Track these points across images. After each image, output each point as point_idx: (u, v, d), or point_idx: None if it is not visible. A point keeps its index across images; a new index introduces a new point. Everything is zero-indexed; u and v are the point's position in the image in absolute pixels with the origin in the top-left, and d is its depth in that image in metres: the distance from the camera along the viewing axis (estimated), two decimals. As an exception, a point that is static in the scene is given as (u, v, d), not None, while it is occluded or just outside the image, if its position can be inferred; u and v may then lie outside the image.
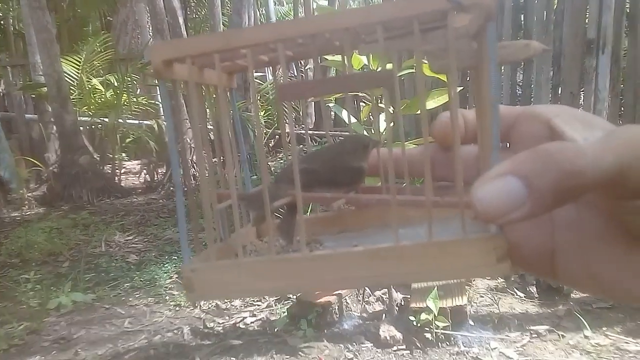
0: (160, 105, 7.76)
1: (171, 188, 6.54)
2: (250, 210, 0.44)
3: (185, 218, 0.37)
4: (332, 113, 7.99)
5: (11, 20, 8.70)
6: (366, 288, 3.03)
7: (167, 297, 3.41)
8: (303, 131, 7.60)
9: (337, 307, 2.89)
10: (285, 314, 2.95)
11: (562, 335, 2.66)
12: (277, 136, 7.59)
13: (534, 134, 0.36)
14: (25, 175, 6.48)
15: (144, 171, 7.27)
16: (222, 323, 3.03)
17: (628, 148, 0.27)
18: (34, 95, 7.63)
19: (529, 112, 0.37)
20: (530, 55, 0.39)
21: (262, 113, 7.35)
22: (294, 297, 3.11)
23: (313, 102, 8.61)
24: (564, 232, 0.34)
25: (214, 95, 0.44)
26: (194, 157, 6.60)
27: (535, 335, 2.67)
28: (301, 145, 7.91)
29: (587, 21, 3.95)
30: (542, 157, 0.26)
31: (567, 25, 4.03)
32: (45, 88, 6.37)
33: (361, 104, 7.70)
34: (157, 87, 6.14)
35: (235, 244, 0.40)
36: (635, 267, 0.31)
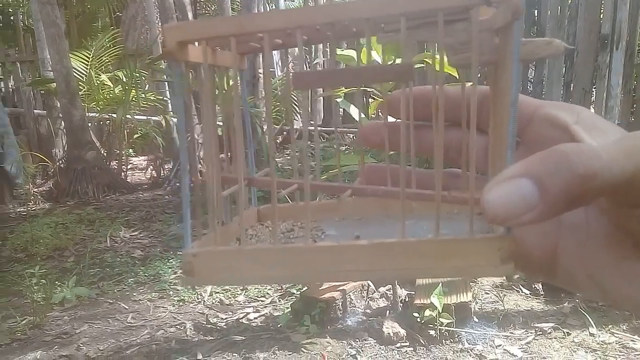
0: (169, 101, 7.77)
1: (177, 184, 6.55)
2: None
3: (189, 202, 0.36)
4: (341, 109, 8.00)
5: (20, 16, 8.72)
6: (370, 284, 3.01)
7: (171, 293, 3.41)
8: (311, 127, 7.59)
9: (340, 304, 2.87)
10: (289, 309, 2.93)
11: (567, 332, 2.62)
12: (284, 132, 7.59)
13: (552, 139, 0.34)
14: (32, 171, 6.50)
15: (151, 167, 7.28)
16: (225, 319, 3.02)
17: None
18: (42, 91, 7.66)
19: (546, 115, 0.36)
20: (551, 54, 0.38)
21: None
22: (298, 292, 3.10)
23: (322, 98, 8.61)
24: (567, 234, 0.33)
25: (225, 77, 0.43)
26: (201, 153, 6.61)
27: (540, 333, 2.64)
28: (309, 142, 7.90)
29: (601, 16, 3.90)
30: (556, 158, 0.26)
31: (582, 20, 3.97)
32: (54, 84, 6.39)
33: (370, 99, 7.70)
34: (166, 83, 6.19)
35: (238, 228, 0.39)
36: (637, 275, 0.30)
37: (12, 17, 9.54)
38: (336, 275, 0.34)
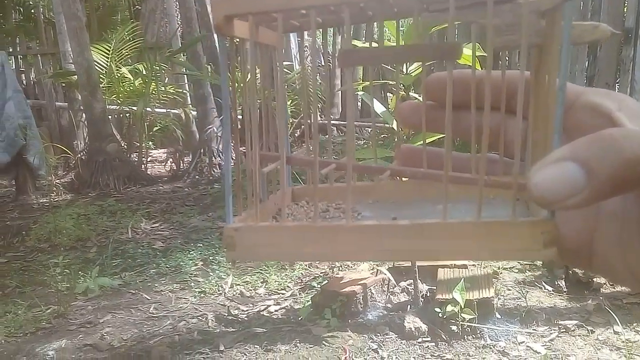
0: (188, 94, 7.81)
1: (196, 177, 6.59)
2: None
3: (231, 178, 0.37)
4: (359, 103, 7.97)
5: (41, 9, 8.81)
6: (391, 278, 3.00)
7: (192, 284, 3.43)
8: (328, 121, 7.57)
9: (361, 297, 2.87)
10: (309, 303, 2.94)
11: (591, 330, 2.60)
12: (302, 126, 7.59)
13: (594, 126, 0.34)
14: (54, 162, 6.58)
15: (170, 160, 7.33)
16: (246, 311, 3.03)
17: None
18: (64, 84, 7.74)
19: (588, 102, 0.35)
20: (597, 38, 0.37)
21: (288, 102, 7.34)
22: (318, 286, 3.11)
23: (340, 92, 8.58)
24: (606, 222, 0.32)
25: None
26: (219, 146, 6.64)
27: (564, 330, 2.62)
28: (326, 136, 7.88)
29: (625, 10, 3.84)
30: (604, 142, 0.26)
31: (605, 14, 3.92)
32: (75, 76, 6.45)
33: (388, 94, 7.66)
34: (185, 76, 6.20)
35: (274, 206, 0.40)
36: None
37: (32, 11, 9.62)
38: (375, 255, 0.34)
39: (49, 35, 8.50)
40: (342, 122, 7.62)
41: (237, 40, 0.38)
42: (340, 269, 3.42)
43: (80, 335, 2.82)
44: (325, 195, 0.43)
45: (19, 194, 5.85)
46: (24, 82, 8.31)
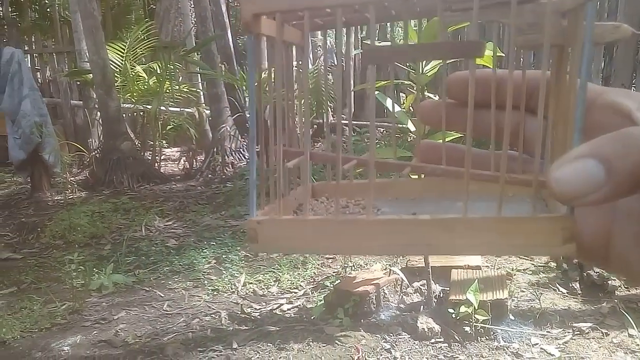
0: (202, 93, 7.84)
1: (209, 176, 6.61)
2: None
3: (255, 171, 0.38)
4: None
5: (57, 8, 8.89)
6: (404, 279, 3.00)
7: (205, 282, 3.45)
8: (342, 121, 7.52)
9: (374, 297, 2.87)
10: (322, 302, 2.94)
11: (605, 333, 2.58)
12: (315, 125, 7.60)
13: (613, 125, 0.34)
14: (69, 160, 6.63)
15: (183, 158, 7.37)
16: (259, 309, 3.05)
17: None
18: (79, 82, 7.80)
19: (608, 102, 0.36)
20: (618, 38, 0.38)
21: (302, 102, 7.31)
22: (331, 285, 3.11)
23: (353, 92, 8.57)
24: (624, 220, 0.33)
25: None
26: (232, 145, 6.67)
27: (578, 333, 2.60)
28: (337, 135, 7.87)
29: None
30: (625, 140, 0.26)
31: (622, 14, 3.89)
32: (91, 75, 6.50)
33: (401, 94, 7.64)
34: (199, 75, 6.21)
35: (294, 202, 0.41)
36: None
37: (48, 9, 9.71)
38: (395, 249, 0.35)
39: (64, 33, 8.57)
40: (360, 122, 7.58)
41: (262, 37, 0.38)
42: (353, 268, 3.43)
43: (95, 332, 2.85)
44: (346, 191, 0.43)
45: (34, 191, 5.90)
46: (40, 80, 8.38)
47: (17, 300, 3.25)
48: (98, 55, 6.13)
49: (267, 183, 0.39)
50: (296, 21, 0.41)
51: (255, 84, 0.39)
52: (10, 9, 9.00)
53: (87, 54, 6.46)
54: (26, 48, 8.51)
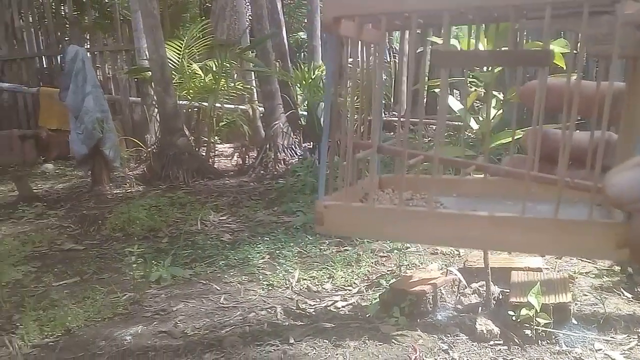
0: (255, 90, 7.92)
1: (261, 172, 6.68)
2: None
3: (326, 159, 0.41)
4: (424, 100, 7.86)
5: (117, 7, 9.17)
6: (462, 279, 2.95)
7: (260, 277, 3.49)
8: (395, 118, 7.45)
9: (431, 297, 2.83)
10: (377, 300, 2.93)
11: (674, 341, 2.47)
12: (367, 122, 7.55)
13: None
14: (127, 155, 6.84)
15: (236, 154, 7.47)
16: (314, 305, 3.06)
17: None
18: (137, 79, 8.02)
19: None
20: None
21: (355, 99, 7.29)
22: (387, 284, 3.09)
23: (406, 90, 8.50)
24: None
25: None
26: (285, 141, 6.71)
27: (645, 339, 2.50)
28: (392, 133, 7.81)
29: None
30: None
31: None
32: (150, 72, 6.68)
33: (455, 91, 7.51)
34: (252, 73, 6.30)
35: (361, 191, 0.44)
36: None
37: (108, 9, 10.03)
38: (453, 241, 0.38)
39: (123, 32, 8.82)
40: (429, 119, 7.48)
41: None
42: (408, 267, 3.39)
43: (155, 322, 2.92)
44: (411, 185, 0.45)
45: (94, 185, 6.10)
46: (100, 77, 8.67)
47: (80, 290, 3.36)
48: (157, 54, 6.28)
49: (336, 171, 0.42)
50: (376, 22, 0.43)
51: (331, 81, 0.42)
52: (73, 8, 9.33)
53: (147, 52, 6.63)
54: (87, 46, 8.81)
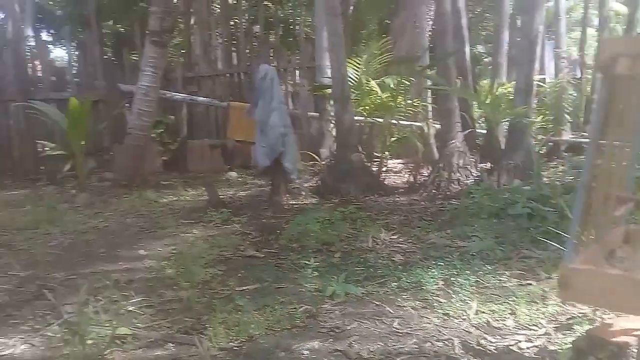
0: (430, 108, 7.80)
1: (433, 191, 6.51)
2: None
3: (579, 216, 0.34)
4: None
5: (302, 27, 9.68)
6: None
7: (434, 304, 3.36)
8: (584, 140, 6.85)
9: (635, 350, 2.48)
10: (569, 346, 2.64)
11: None
12: (550, 143, 7.06)
13: None
14: (303, 168, 7.12)
15: (407, 171, 7.41)
16: (494, 342, 2.86)
17: None
18: (314, 94, 8.36)
19: None
20: None
21: (539, 118, 6.87)
22: (582, 329, 2.79)
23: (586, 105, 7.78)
24: None
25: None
26: (460, 161, 6.49)
27: None
28: (580, 156, 7.19)
29: None
30: None
31: None
32: (330, 89, 6.91)
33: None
34: (428, 90, 6.25)
35: (613, 245, 0.35)
36: None
37: (291, 27, 10.61)
38: None
39: (305, 49, 9.25)
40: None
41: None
42: (607, 312, 3.03)
43: (330, 339, 2.93)
44: None
45: (272, 194, 6.43)
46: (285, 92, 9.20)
47: (260, 297, 3.51)
48: (339, 72, 6.47)
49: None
50: None
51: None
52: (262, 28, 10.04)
53: (330, 69, 6.85)
54: (274, 63, 9.40)
